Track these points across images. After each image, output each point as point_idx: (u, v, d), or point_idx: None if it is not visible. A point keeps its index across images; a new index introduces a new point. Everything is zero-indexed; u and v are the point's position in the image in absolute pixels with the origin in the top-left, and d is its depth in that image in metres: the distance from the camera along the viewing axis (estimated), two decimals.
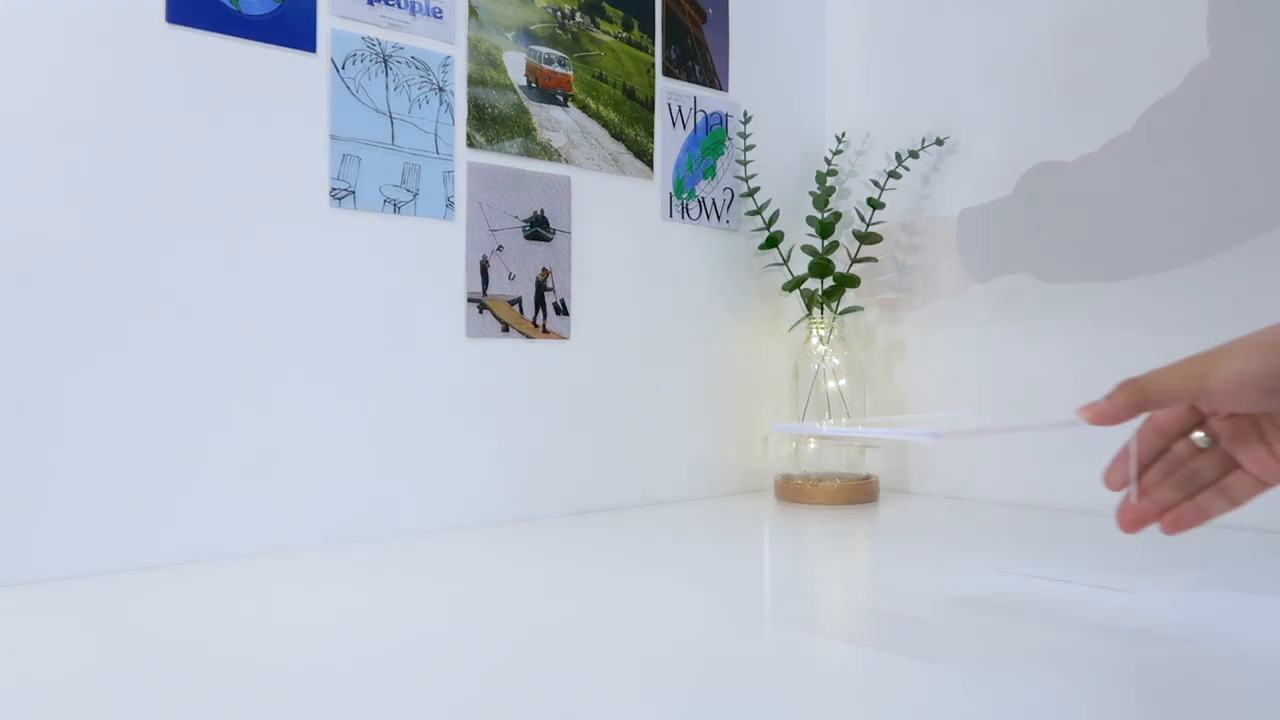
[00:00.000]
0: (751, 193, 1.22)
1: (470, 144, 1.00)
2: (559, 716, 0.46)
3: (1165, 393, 0.56)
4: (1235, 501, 0.58)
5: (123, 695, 0.49)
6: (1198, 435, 0.58)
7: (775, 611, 0.65)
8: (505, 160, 1.03)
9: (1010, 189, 1.15)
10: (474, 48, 1.00)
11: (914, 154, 1.20)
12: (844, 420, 1.11)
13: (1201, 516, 0.58)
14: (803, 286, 1.22)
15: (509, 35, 1.03)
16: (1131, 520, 0.60)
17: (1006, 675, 0.51)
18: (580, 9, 1.09)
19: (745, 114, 1.23)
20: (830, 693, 0.50)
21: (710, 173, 1.22)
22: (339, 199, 0.91)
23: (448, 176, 0.98)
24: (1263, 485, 0.58)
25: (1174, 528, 0.59)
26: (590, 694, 0.49)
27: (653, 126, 1.16)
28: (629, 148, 1.14)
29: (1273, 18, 0.92)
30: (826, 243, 1.21)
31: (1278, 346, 0.54)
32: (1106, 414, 0.57)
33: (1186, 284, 0.98)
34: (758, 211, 1.21)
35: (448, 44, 0.98)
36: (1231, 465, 0.58)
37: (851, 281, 1.21)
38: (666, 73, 1.18)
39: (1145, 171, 1.01)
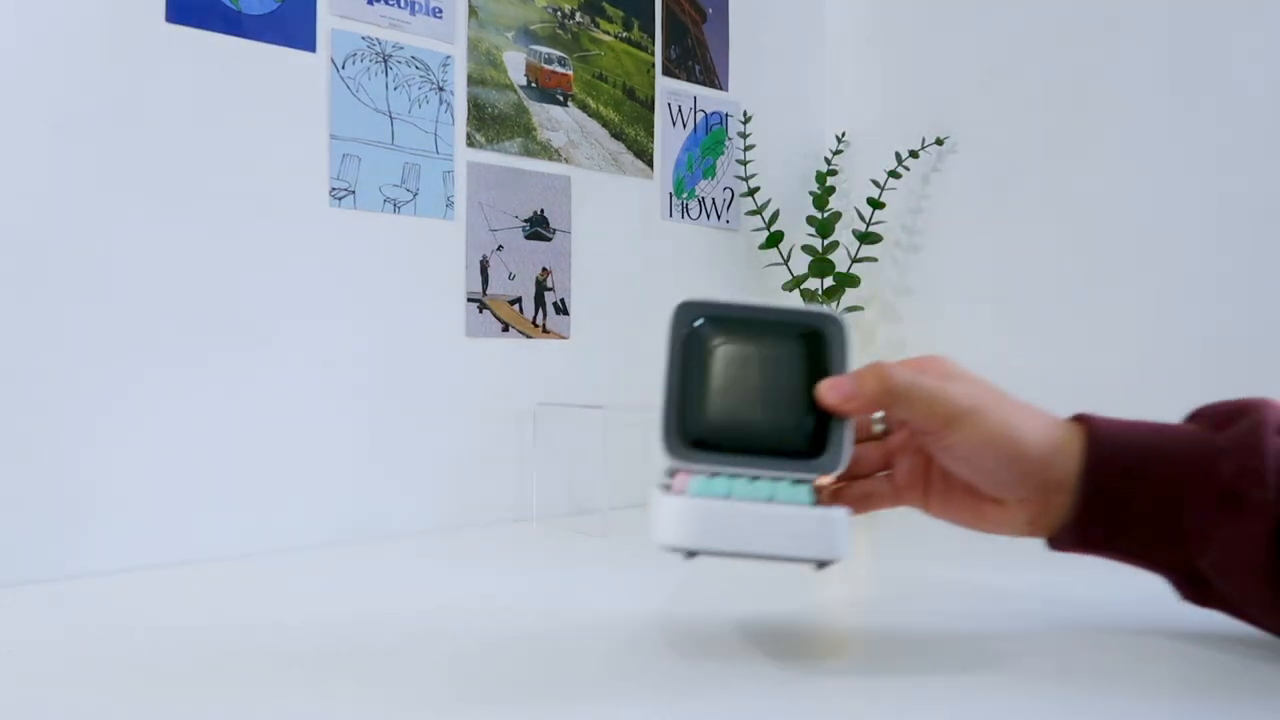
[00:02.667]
0: (751, 192, 1.22)
1: (470, 143, 1.00)
2: (559, 717, 0.46)
3: (907, 404, 0.52)
4: (870, 505, 0.57)
5: (121, 695, 0.49)
6: (877, 415, 0.57)
7: (770, 611, 0.65)
8: (505, 160, 1.03)
9: (1010, 189, 1.15)
10: (474, 47, 1.00)
11: (914, 154, 1.20)
12: None
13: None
14: (803, 286, 1.22)
15: (509, 35, 1.03)
16: None
17: (1012, 677, 0.51)
18: (580, 8, 1.09)
19: (745, 114, 1.23)
20: (828, 697, 0.50)
21: (710, 172, 1.22)
22: (339, 199, 0.91)
23: (448, 176, 0.98)
24: (894, 502, 0.57)
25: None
26: (594, 695, 0.49)
27: (653, 126, 1.16)
28: (629, 147, 1.14)
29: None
30: (826, 243, 1.21)
31: (1026, 437, 0.51)
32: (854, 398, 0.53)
33: (1186, 285, 0.98)
34: (758, 211, 1.21)
35: (447, 43, 0.98)
36: (887, 464, 0.57)
37: (851, 281, 1.21)
38: (666, 72, 1.18)
39: (1145, 171, 1.01)
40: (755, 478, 0.50)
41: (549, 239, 1.06)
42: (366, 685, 0.50)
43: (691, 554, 0.48)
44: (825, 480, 0.52)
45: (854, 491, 0.57)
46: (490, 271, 1.01)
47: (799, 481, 0.50)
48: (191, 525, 0.82)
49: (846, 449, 0.52)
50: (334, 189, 0.90)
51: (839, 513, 0.48)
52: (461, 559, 0.84)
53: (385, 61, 0.93)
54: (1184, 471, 0.50)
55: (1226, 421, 0.52)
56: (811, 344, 0.54)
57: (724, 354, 0.53)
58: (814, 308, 0.55)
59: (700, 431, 0.52)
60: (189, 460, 0.82)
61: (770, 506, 0.48)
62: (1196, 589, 0.53)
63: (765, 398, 0.53)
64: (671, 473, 0.52)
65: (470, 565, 0.82)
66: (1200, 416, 0.54)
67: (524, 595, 0.71)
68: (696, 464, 0.51)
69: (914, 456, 0.56)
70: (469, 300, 1.00)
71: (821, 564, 0.48)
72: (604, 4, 1.11)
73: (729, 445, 0.52)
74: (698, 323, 0.54)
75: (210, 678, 0.52)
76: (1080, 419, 0.53)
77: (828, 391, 0.52)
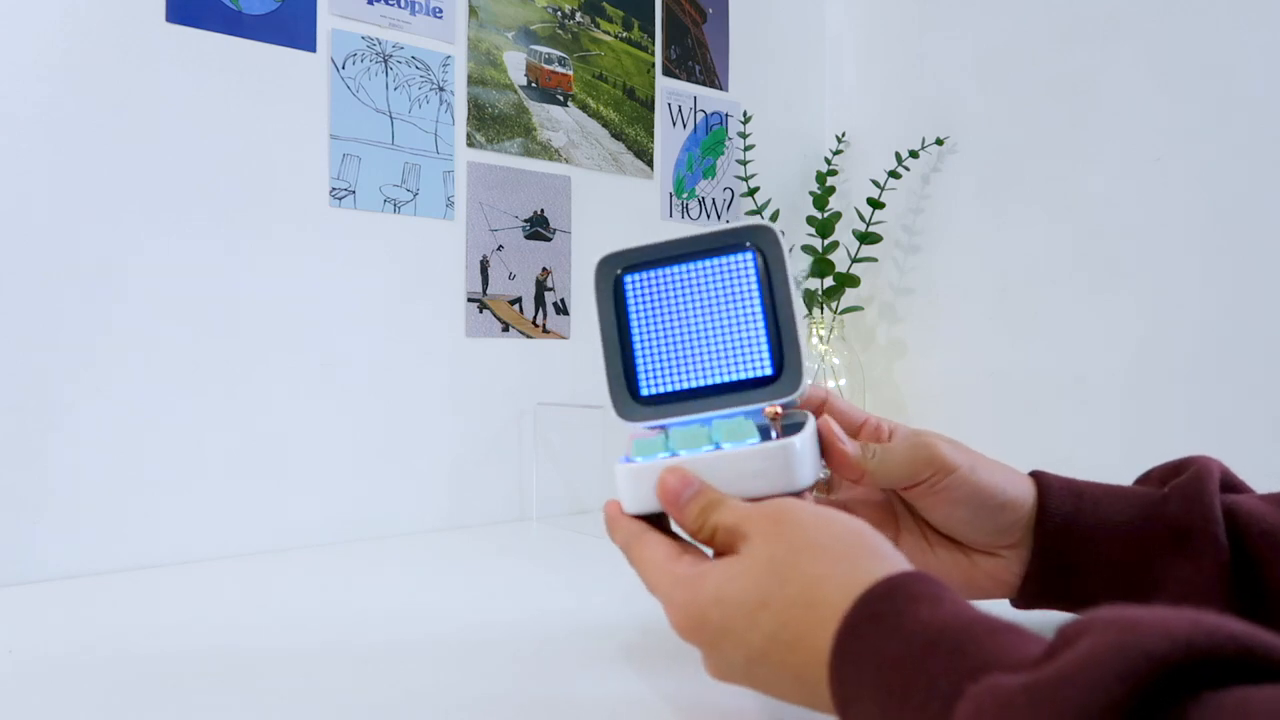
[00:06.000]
0: (751, 193, 1.22)
1: (470, 143, 1.00)
2: (557, 717, 0.46)
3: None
4: None
5: (120, 695, 0.49)
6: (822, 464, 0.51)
7: None
8: (505, 160, 1.03)
9: (1010, 189, 1.15)
10: (474, 47, 1.00)
11: (914, 154, 1.20)
12: None
13: None
14: (803, 286, 1.22)
15: (509, 35, 1.03)
16: None
17: None
18: (580, 8, 1.09)
19: (745, 114, 1.23)
20: None
21: (710, 172, 1.22)
22: (339, 199, 0.91)
23: (448, 176, 0.98)
24: None
25: None
26: (594, 693, 0.49)
27: (653, 126, 1.16)
28: (629, 147, 1.14)
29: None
30: (826, 243, 1.21)
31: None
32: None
33: (1186, 285, 0.98)
34: (758, 211, 1.21)
35: (448, 43, 0.98)
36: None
37: (851, 281, 1.21)
38: (666, 72, 1.18)
39: (1145, 171, 1.01)
40: (708, 421, 0.47)
41: (549, 239, 1.06)
42: (366, 684, 0.50)
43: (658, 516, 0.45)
44: (777, 407, 0.47)
45: None
46: (490, 271, 1.01)
47: (751, 415, 0.47)
48: (191, 525, 0.82)
49: (803, 367, 0.48)
50: (334, 189, 0.90)
51: (793, 441, 0.44)
52: (461, 559, 0.84)
53: (385, 61, 0.93)
54: (1133, 513, 0.50)
55: (1169, 476, 0.52)
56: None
57: (655, 299, 0.50)
58: (736, 225, 0.50)
59: (646, 385, 0.50)
60: (188, 460, 0.82)
61: (718, 455, 0.44)
62: None
63: (706, 332, 0.50)
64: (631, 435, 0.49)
65: (470, 565, 0.82)
66: (1145, 479, 0.55)
67: (524, 594, 0.71)
68: (648, 420, 0.49)
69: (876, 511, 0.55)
70: (469, 300, 1.00)
71: (794, 495, 0.44)
72: (604, 4, 1.11)
73: (681, 391, 0.49)
74: (623, 274, 0.50)
75: (210, 678, 0.52)
76: (1032, 473, 0.53)
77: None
